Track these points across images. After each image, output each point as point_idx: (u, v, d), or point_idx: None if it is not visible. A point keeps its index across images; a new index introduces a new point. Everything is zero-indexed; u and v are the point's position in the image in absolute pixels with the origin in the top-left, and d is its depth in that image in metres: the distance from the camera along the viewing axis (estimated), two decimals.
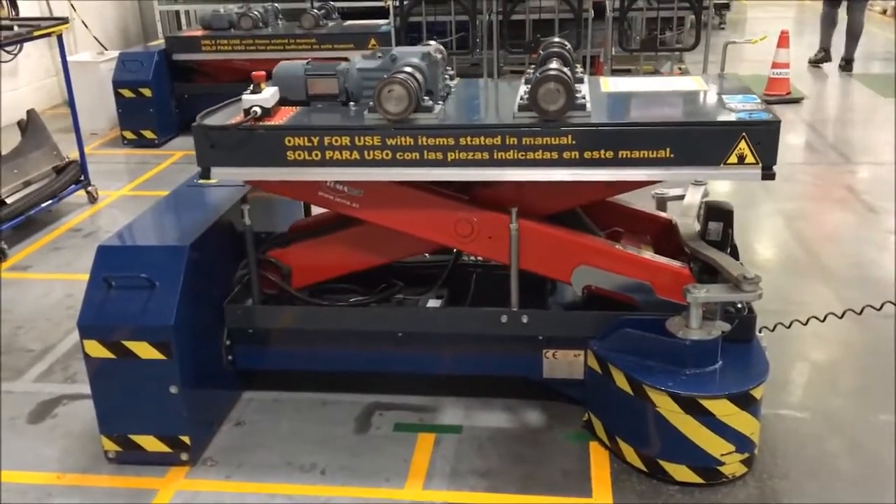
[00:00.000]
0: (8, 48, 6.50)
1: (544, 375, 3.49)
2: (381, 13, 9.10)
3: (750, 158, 2.98)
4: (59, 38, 6.16)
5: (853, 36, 10.34)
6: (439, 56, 3.42)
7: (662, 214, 3.88)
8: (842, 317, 3.64)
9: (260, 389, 3.80)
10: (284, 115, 3.27)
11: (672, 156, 3.00)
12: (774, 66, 9.22)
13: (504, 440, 3.44)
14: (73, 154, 6.43)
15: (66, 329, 4.48)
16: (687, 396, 3.00)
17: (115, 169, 7.45)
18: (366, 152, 3.12)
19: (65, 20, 6.25)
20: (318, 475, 3.28)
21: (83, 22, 10.22)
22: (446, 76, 3.59)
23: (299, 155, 3.15)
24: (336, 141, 3.12)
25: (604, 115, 3.18)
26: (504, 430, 3.51)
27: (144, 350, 3.16)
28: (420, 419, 3.60)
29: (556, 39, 3.73)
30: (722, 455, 3.07)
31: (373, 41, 7.80)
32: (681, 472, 3.11)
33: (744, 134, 2.96)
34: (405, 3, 8.41)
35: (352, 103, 3.36)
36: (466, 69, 9.11)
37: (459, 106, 3.45)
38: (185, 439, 3.29)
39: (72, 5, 9.96)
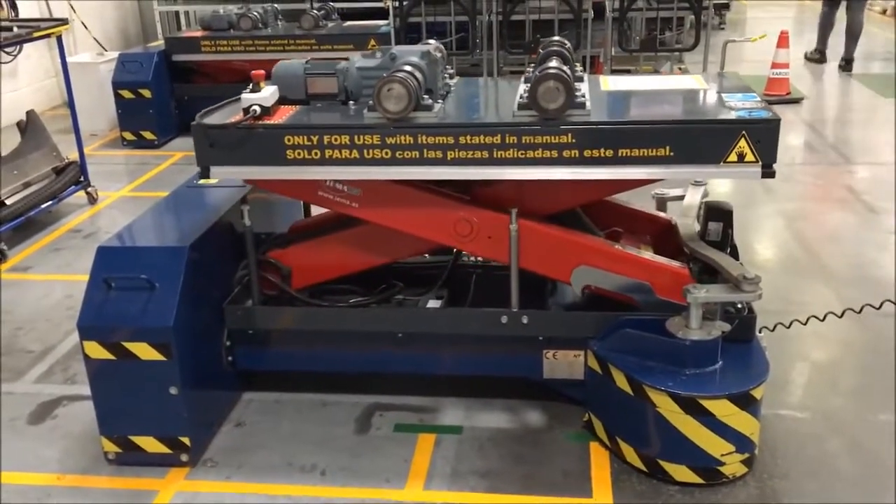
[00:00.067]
0: (8, 49, 6.49)
1: (544, 376, 3.49)
2: (381, 14, 9.10)
3: (750, 157, 2.98)
4: (59, 39, 6.16)
5: (853, 35, 10.35)
6: (439, 55, 3.42)
7: (662, 215, 3.88)
8: (841, 316, 3.64)
9: (260, 390, 3.80)
10: (284, 114, 3.27)
11: (672, 154, 3.00)
12: (774, 66, 9.22)
13: (504, 440, 3.44)
14: (73, 155, 6.43)
15: (65, 330, 4.48)
16: (687, 396, 3.00)
17: (114, 170, 7.46)
18: (365, 151, 3.12)
19: (64, 21, 6.24)
20: (318, 476, 3.28)
21: (83, 23, 10.22)
22: (446, 75, 3.59)
23: (299, 154, 3.15)
24: (336, 140, 3.12)
25: (603, 113, 3.18)
26: (504, 431, 3.51)
27: (144, 351, 3.16)
28: (420, 420, 3.60)
29: (556, 38, 3.72)
30: (722, 455, 3.07)
31: (372, 42, 7.79)
32: (681, 473, 3.11)
33: (743, 132, 2.96)
34: (405, 3, 8.41)
35: (351, 102, 3.36)
36: (466, 70, 9.11)
37: (459, 104, 3.45)
38: (185, 440, 3.29)
39: (71, 6, 9.95)
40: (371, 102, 3.13)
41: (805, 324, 3.70)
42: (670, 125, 3.01)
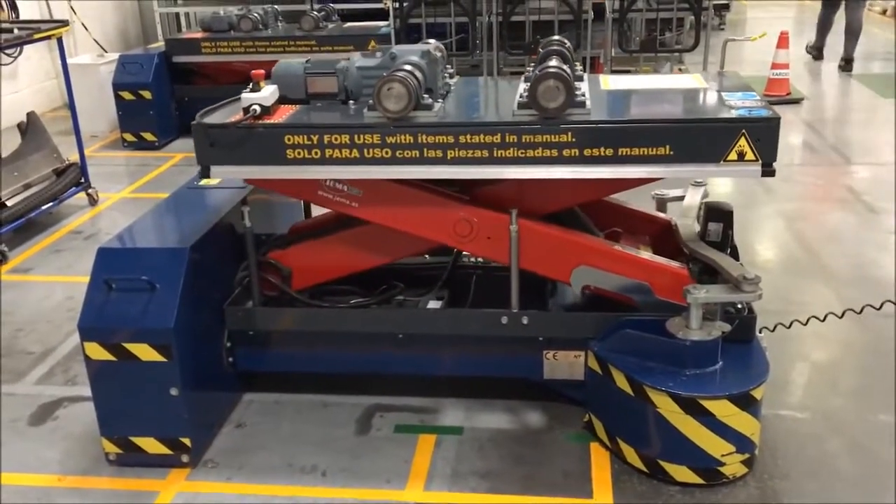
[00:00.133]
0: (8, 51, 6.52)
1: (545, 376, 3.49)
2: (381, 15, 9.11)
3: (750, 155, 2.98)
4: (59, 40, 6.17)
5: (852, 34, 10.36)
6: (439, 54, 3.42)
7: (661, 215, 3.88)
8: (842, 317, 3.64)
9: (260, 391, 3.80)
10: (284, 114, 3.27)
11: (672, 153, 3.00)
12: (774, 66, 9.22)
13: (505, 441, 3.44)
14: (74, 156, 6.43)
15: (66, 331, 4.48)
16: (687, 397, 3.00)
17: (115, 171, 7.46)
18: (365, 150, 3.12)
19: (65, 23, 6.25)
20: (318, 477, 3.28)
21: (83, 24, 10.23)
22: (446, 74, 3.59)
23: (299, 153, 3.15)
24: (336, 139, 3.12)
25: (603, 112, 3.18)
26: (505, 431, 3.51)
27: (145, 352, 3.17)
28: (421, 420, 3.60)
29: (556, 38, 3.72)
30: (722, 455, 3.07)
31: (372, 43, 7.79)
32: (681, 473, 3.11)
33: (743, 131, 2.96)
34: (405, 4, 8.42)
35: (351, 101, 3.36)
36: (466, 71, 9.11)
37: (459, 104, 3.45)
38: (186, 441, 3.30)
39: (72, 8, 9.96)
40: (371, 102, 3.13)
41: (805, 324, 3.70)
42: (670, 124, 3.01)
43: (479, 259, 3.92)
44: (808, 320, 3.71)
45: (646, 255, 3.41)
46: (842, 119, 8.89)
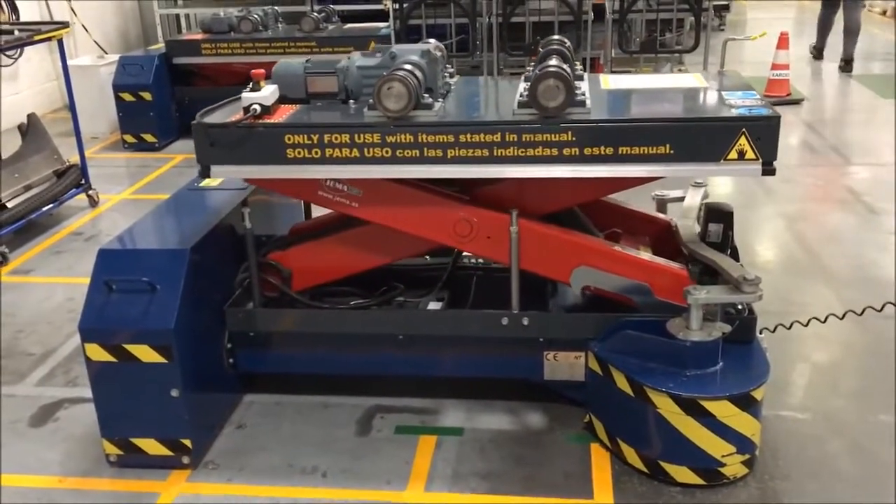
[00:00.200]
0: (8, 52, 6.52)
1: (545, 377, 3.49)
2: (381, 16, 9.12)
3: (750, 154, 2.98)
4: (60, 42, 6.17)
5: (850, 33, 10.36)
6: (439, 53, 3.42)
7: (661, 216, 3.88)
8: (842, 318, 3.63)
9: (261, 392, 3.80)
10: (284, 113, 3.28)
11: (672, 152, 3.00)
12: (774, 67, 9.21)
13: (505, 442, 3.44)
14: (74, 158, 6.44)
15: (67, 333, 4.48)
16: (688, 398, 3.00)
17: (115, 172, 7.46)
18: (366, 150, 3.12)
19: (65, 24, 6.26)
20: (319, 478, 3.28)
21: (83, 26, 10.24)
22: (446, 74, 3.59)
23: (299, 153, 3.15)
24: (336, 138, 3.12)
25: (604, 111, 3.18)
26: (505, 432, 3.51)
27: (145, 353, 3.17)
28: (421, 421, 3.60)
29: (556, 37, 3.72)
30: (723, 456, 3.07)
31: (373, 44, 7.77)
32: (682, 474, 3.11)
33: (744, 130, 2.96)
34: (405, 5, 8.42)
35: (351, 101, 3.37)
36: (467, 72, 9.11)
37: (459, 103, 3.46)
38: (187, 442, 3.30)
39: (72, 9, 9.97)
40: (371, 101, 3.13)
41: (806, 325, 3.70)
42: (670, 123, 3.01)
43: (480, 260, 3.92)
44: (808, 321, 3.71)
45: (646, 255, 3.41)
46: (842, 120, 8.89)
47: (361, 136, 3.11)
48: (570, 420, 3.53)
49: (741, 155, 2.98)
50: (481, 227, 3.33)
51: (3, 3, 8.71)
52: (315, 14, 8.31)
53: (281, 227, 4.02)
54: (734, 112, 3.03)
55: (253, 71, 3.27)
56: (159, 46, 8.75)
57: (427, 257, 3.93)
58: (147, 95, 7.86)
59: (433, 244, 3.59)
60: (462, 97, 3.56)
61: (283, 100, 3.35)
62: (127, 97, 7.88)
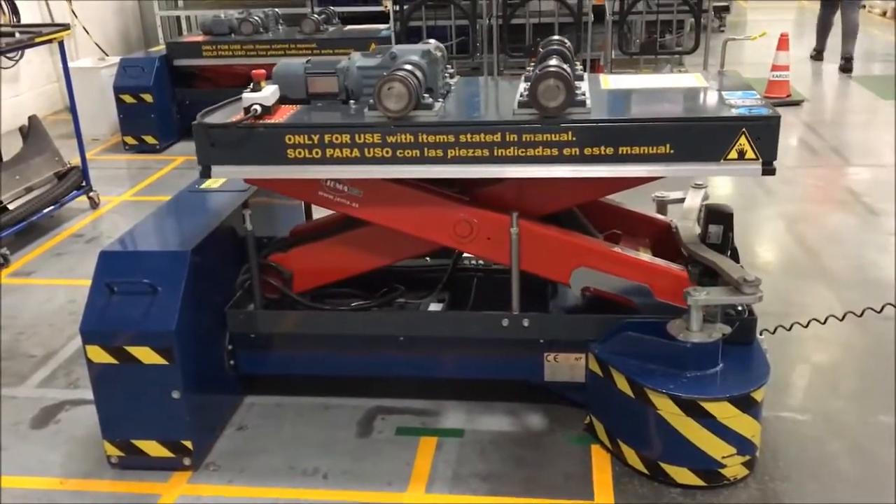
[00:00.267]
0: (9, 54, 6.53)
1: (546, 378, 3.49)
2: (382, 18, 9.13)
3: (750, 154, 2.98)
4: (61, 44, 6.18)
5: (849, 33, 10.37)
6: (439, 54, 3.42)
7: (661, 217, 3.88)
8: (842, 319, 3.63)
9: (262, 394, 3.81)
10: (284, 114, 3.28)
11: (672, 152, 3.00)
12: (774, 68, 9.21)
13: (506, 443, 3.45)
14: (75, 160, 6.44)
15: (68, 334, 4.49)
16: (688, 399, 3.00)
17: (116, 174, 7.47)
18: (366, 150, 3.13)
19: (66, 26, 6.27)
20: (320, 479, 3.29)
21: (84, 28, 10.25)
22: (446, 74, 3.60)
23: (300, 153, 3.15)
24: (336, 139, 3.12)
25: (604, 111, 3.18)
26: (506, 434, 3.51)
27: (147, 355, 3.17)
28: (422, 423, 3.61)
29: (556, 38, 3.72)
30: (723, 457, 3.07)
31: (373, 46, 7.73)
32: (682, 475, 3.11)
33: (744, 129, 2.96)
34: (405, 7, 8.43)
35: (352, 101, 3.37)
36: (467, 73, 9.12)
37: (459, 103, 3.46)
38: (188, 444, 3.30)
39: (73, 11, 9.98)
40: (371, 101, 3.13)
41: (806, 326, 3.70)
42: (671, 123, 3.01)
43: (480, 261, 3.93)
44: (808, 322, 3.71)
45: (646, 257, 3.42)
46: (842, 121, 8.89)
47: (362, 136, 3.11)
48: (570, 421, 3.53)
49: (741, 155, 2.98)
50: (481, 228, 3.33)
51: (4, 5, 8.73)
52: (315, 16, 8.32)
53: (281, 228, 4.03)
54: (734, 112, 3.04)
55: (253, 71, 3.27)
56: (160, 48, 8.76)
57: (427, 259, 3.94)
58: (148, 97, 7.86)
59: (433, 245, 3.60)
60: (462, 97, 3.56)
61: (283, 100, 3.36)
62: (128, 99, 7.89)
